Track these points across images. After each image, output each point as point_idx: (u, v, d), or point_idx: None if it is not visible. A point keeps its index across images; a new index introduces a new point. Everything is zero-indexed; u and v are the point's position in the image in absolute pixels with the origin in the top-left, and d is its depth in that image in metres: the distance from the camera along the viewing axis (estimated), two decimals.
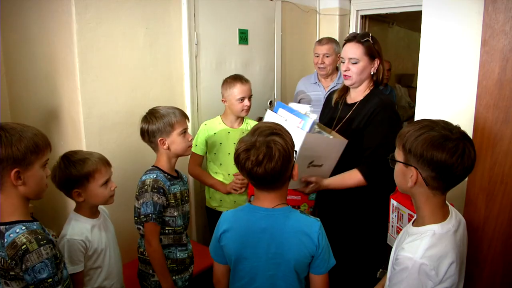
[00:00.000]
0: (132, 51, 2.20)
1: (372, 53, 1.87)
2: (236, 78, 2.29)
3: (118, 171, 1.87)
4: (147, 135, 1.76)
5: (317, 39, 3.07)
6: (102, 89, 2.08)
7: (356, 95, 1.95)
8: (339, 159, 1.83)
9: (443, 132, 1.07)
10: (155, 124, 1.73)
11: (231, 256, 1.30)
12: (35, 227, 1.16)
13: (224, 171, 2.33)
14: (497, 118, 1.76)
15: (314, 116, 1.74)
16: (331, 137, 1.82)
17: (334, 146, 1.80)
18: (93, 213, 1.60)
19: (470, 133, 1.86)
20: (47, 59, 2.09)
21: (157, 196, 1.67)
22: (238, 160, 1.23)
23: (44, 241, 1.13)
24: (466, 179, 1.89)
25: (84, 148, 2.01)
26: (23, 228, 1.13)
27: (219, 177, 2.33)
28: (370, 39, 1.86)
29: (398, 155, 1.16)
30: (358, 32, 3.79)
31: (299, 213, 1.29)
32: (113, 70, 2.12)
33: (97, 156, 1.58)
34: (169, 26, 2.38)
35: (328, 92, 2.13)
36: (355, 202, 1.89)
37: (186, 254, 1.82)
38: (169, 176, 1.77)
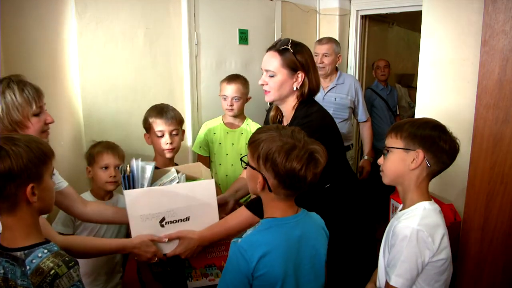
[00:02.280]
0: (132, 51, 2.20)
1: (293, 65, 1.58)
2: (226, 78, 2.29)
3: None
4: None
5: (317, 39, 3.07)
6: (102, 89, 2.08)
7: (287, 116, 1.69)
8: None
9: (439, 124, 1.26)
10: (144, 118, 1.89)
11: (277, 280, 1.11)
12: (56, 248, 1.05)
13: (223, 172, 2.34)
14: (497, 118, 1.76)
15: (149, 169, 1.47)
16: (174, 182, 1.52)
17: (193, 192, 1.47)
18: (101, 195, 1.81)
19: (470, 133, 1.86)
20: (47, 59, 2.09)
21: None
22: (298, 171, 1.08)
23: (72, 263, 1.03)
24: (467, 180, 1.89)
25: (83, 148, 2.01)
26: (45, 251, 1.02)
27: (218, 177, 2.35)
28: (290, 47, 1.58)
29: (395, 143, 1.27)
30: (357, 32, 3.79)
31: (307, 211, 1.26)
32: (113, 70, 2.12)
33: (106, 142, 1.84)
34: (169, 26, 2.38)
35: (269, 109, 1.85)
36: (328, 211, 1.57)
37: None
38: None
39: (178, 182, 1.52)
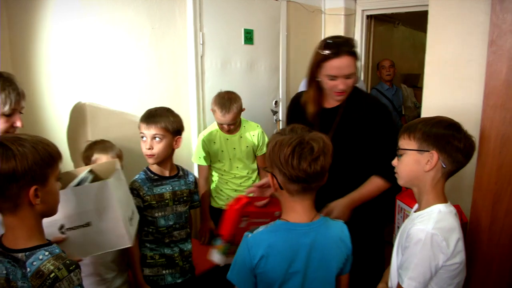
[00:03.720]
0: (138, 51, 2.20)
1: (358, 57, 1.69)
2: (218, 104, 2.20)
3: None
4: None
5: (322, 39, 3.06)
6: (106, 88, 2.08)
7: (337, 97, 1.73)
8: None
9: (453, 122, 1.23)
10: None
11: (275, 280, 1.16)
12: (57, 251, 1.03)
13: (231, 175, 2.36)
14: (504, 118, 1.75)
15: None
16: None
17: (87, 195, 1.34)
18: None
19: (477, 133, 1.85)
20: (49, 59, 2.10)
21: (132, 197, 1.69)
22: (290, 158, 1.09)
23: (73, 266, 1.02)
24: (473, 180, 1.88)
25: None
26: (46, 253, 1.01)
27: (228, 184, 2.37)
28: (354, 44, 1.69)
29: (408, 145, 1.24)
30: (363, 32, 3.77)
31: (330, 220, 1.24)
32: (118, 69, 2.12)
33: (96, 143, 1.76)
34: (174, 26, 2.38)
35: (298, 96, 1.91)
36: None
37: (174, 251, 1.81)
38: (156, 177, 1.76)
39: (78, 185, 1.39)
